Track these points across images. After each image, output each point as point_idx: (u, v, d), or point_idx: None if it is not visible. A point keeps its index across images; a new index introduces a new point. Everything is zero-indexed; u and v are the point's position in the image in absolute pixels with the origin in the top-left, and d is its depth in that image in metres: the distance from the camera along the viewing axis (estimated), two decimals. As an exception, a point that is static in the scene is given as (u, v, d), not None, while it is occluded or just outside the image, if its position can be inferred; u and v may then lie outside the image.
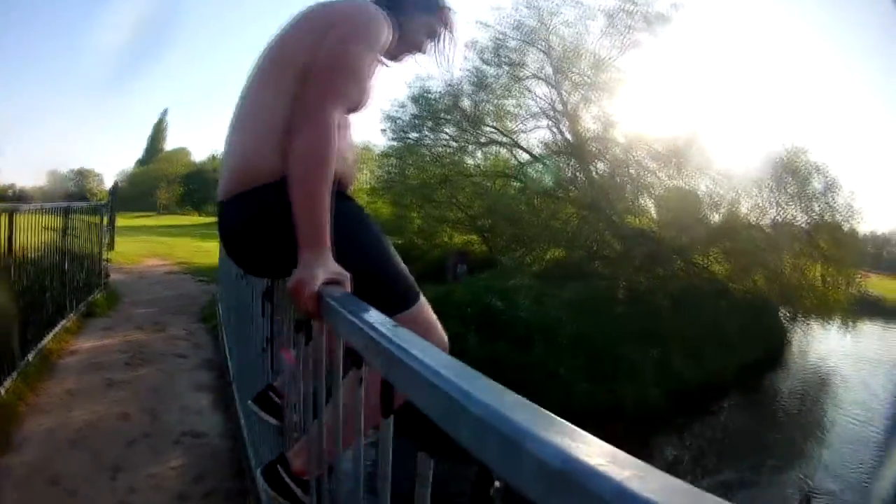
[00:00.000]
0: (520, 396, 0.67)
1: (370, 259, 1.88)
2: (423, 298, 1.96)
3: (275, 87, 1.91)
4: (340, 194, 1.89)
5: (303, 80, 1.80)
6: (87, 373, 6.62)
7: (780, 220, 18.76)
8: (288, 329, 2.19)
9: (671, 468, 11.40)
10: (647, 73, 23.64)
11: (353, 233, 1.87)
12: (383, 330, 1.00)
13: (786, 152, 18.66)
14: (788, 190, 18.59)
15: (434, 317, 1.98)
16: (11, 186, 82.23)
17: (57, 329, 7.50)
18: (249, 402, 2.42)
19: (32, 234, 7.04)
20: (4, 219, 6.03)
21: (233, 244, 2.07)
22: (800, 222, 18.70)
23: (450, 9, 2.29)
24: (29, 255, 7.13)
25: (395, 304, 1.81)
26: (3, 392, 5.42)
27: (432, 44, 2.29)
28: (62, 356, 7.11)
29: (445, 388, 0.72)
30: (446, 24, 2.28)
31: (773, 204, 18.84)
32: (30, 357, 6.43)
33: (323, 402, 1.59)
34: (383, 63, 2.18)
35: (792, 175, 18.51)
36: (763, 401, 16.61)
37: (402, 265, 1.97)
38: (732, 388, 15.96)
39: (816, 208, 18.51)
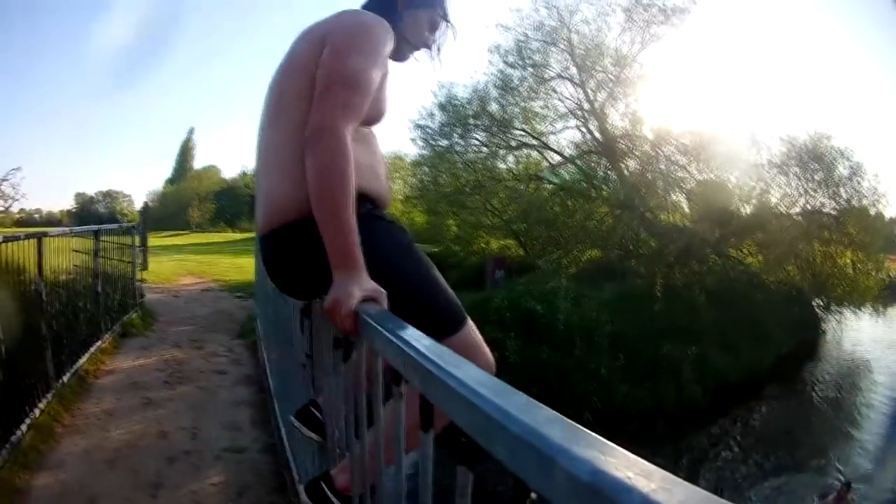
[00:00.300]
0: (554, 412, 0.68)
1: (416, 285, 1.89)
2: (469, 322, 1.95)
3: (286, 122, 1.92)
4: (380, 216, 1.97)
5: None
6: (124, 392, 6.79)
7: (809, 207, 18.80)
8: (327, 346, 2.12)
9: (711, 464, 11.76)
10: (670, 66, 23.53)
11: (398, 258, 1.89)
12: (420, 347, 1.02)
13: (810, 139, 18.68)
14: (815, 177, 18.62)
15: (480, 338, 1.97)
16: (38, 211, 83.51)
17: (92, 350, 7.66)
18: (291, 417, 2.47)
19: (63, 257, 7.28)
20: (33, 244, 6.19)
21: (273, 275, 2.12)
22: (828, 209, 18.73)
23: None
24: (60, 278, 7.29)
25: (442, 328, 1.82)
26: (37, 413, 5.56)
27: (434, 37, 2.31)
28: (98, 376, 7.28)
29: (482, 406, 0.75)
30: (445, 15, 2.30)
31: (802, 192, 18.88)
32: (65, 378, 6.61)
33: (364, 418, 1.60)
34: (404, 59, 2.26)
35: (818, 161, 18.53)
36: (800, 391, 16.72)
37: (448, 289, 1.97)
38: (770, 380, 16.05)
39: (843, 194, 18.54)
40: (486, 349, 1.94)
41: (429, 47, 2.29)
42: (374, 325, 1.30)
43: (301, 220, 1.78)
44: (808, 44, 33.20)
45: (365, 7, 2.16)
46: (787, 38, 32.86)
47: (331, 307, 1.53)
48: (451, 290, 1.95)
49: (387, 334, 1.19)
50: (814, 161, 18.52)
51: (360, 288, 1.53)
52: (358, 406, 1.60)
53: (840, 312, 20.16)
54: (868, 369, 18.39)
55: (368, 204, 1.92)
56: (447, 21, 2.28)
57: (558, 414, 0.65)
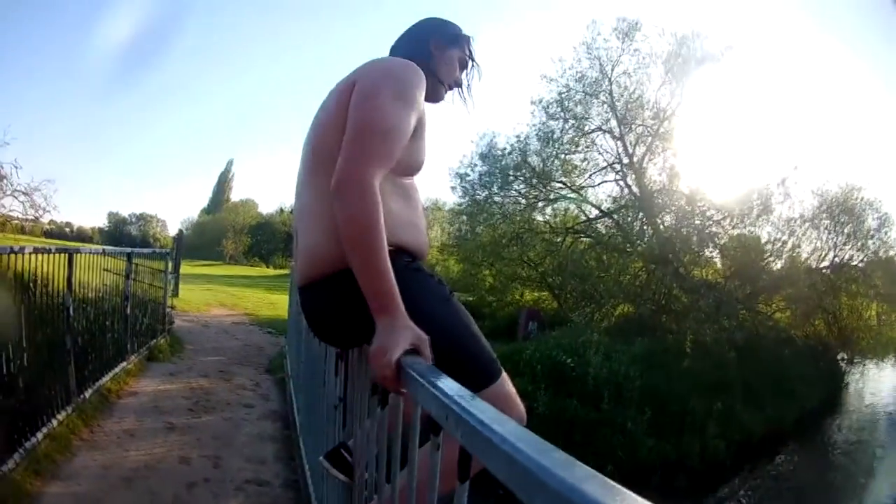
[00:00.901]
0: (591, 470, 0.72)
1: (456, 336, 1.94)
2: (503, 374, 2.03)
3: (320, 176, 1.93)
4: (419, 268, 2.03)
5: None
6: (146, 414, 6.85)
7: (837, 261, 19.10)
8: (362, 390, 2.21)
9: None
10: (705, 117, 23.57)
11: (438, 310, 1.94)
12: (462, 402, 1.06)
13: (841, 191, 19.07)
14: (845, 230, 18.91)
15: (513, 390, 2.04)
16: (69, 224, 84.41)
17: (117, 369, 7.79)
18: (321, 458, 2.50)
19: (93, 275, 7.36)
20: (64, 259, 6.37)
21: (313, 325, 2.21)
22: (856, 261, 19.03)
23: (470, 37, 2.40)
24: (89, 295, 7.39)
25: (479, 381, 1.87)
26: (55, 423, 5.68)
27: (464, 76, 2.41)
28: (121, 396, 7.36)
29: (523, 461, 0.78)
30: (471, 53, 2.40)
31: (831, 245, 19.19)
32: (87, 393, 6.75)
33: (398, 464, 1.62)
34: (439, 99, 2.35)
35: (848, 214, 18.84)
36: (821, 445, 16.84)
37: (484, 341, 2.04)
38: (793, 434, 16.19)
39: (871, 246, 18.90)
40: (519, 401, 2.05)
41: (461, 86, 2.40)
42: (417, 377, 1.36)
43: (338, 272, 1.84)
44: (834, 89, 33.18)
45: (394, 52, 2.32)
46: (815, 85, 32.91)
47: (374, 359, 1.57)
48: (487, 343, 2.05)
49: (431, 388, 1.24)
50: (844, 213, 18.85)
51: (402, 337, 1.57)
52: (392, 451, 1.65)
53: (863, 364, 20.52)
54: (889, 421, 18.47)
55: (407, 257, 1.99)
56: (473, 60, 2.40)
57: (595, 471, 0.72)
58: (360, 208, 1.69)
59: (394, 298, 1.64)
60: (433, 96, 2.23)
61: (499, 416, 0.97)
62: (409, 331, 1.59)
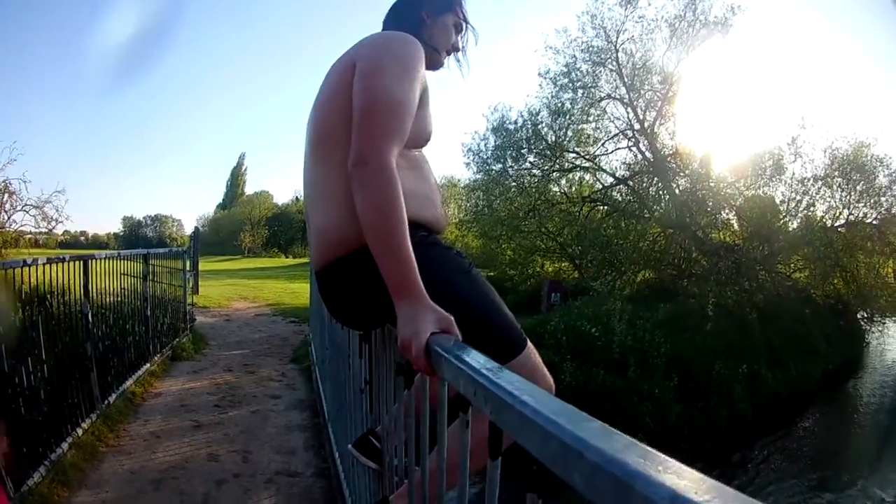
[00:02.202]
0: (630, 438, 0.70)
1: (479, 308, 1.92)
2: (529, 344, 2.00)
3: (329, 155, 1.96)
4: (436, 242, 2.02)
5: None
6: (173, 415, 6.92)
7: (852, 219, 19.21)
8: (387, 372, 2.22)
9: (762, 479, 12.18)
10: (714, 80, 23.54)
11: (459, 282, 1.93)
12: (491, 375, 1.03)
13: (851, 148, 19.16)
14: (857, 188, 19.02)
15: (540, 360, 2.01)
16: (83, 233, 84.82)
17: (140, 372, 7.88)
18: (349, 446, 2.52)
19: (110, 280, 7.38)
20: (79, 266, 6.42)
21: (332, 309, 2.19)
22: (870, 219, 19.10)
23: (462, 0, 2.37)
24: (107, 300, 7.35)
25: (505, 352, 1.85)
26: (80, 432, 5.75)
27: (459, 39, 2.37)
28: (146, 399, 7.42)
29: (558, 434, 0.75)
30: (464, 16, 2.36)
31: (845, 204, 19.31)
32: (111, 399, 6.83)
33: (426, 445, 1.60)
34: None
35: (859, 171, 18.91)
36: (845, 404, 17.15)
37: (508, 312, 2.01)
38: (817, 394, 16.54)
39: (884, 203, 18.94)
40: (546, 371, 2.02)
41: (458, 50, 2.37)
42: (442, 353, 1.33)
43: (354, 252, 1.85)
44: (842, 46, 33.01)
45: (386, 24, 2.32)
46: (821, 42, 32.71)
47: (403, 348, 1.54)
48: (510, 313, 2.02)
49: (457, 363, 1.21)
50: (856, 171, 18.92)
51: (426, 321, 1.54)
52: (420, 433, 1.61)
53: (883, 323, 20.69)
54: None
55: (423, 231, 1.98)
56: (467, 23, 2.36)
57: (634, 440, 0.69)
58: (379, 189, 1.70)
59: (415, 282, 1.63)
60: (431, 64, 2.24)
61: (529, 388, 0.94)
62: (434, 313, 1.57)
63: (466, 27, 2.36)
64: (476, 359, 1.16)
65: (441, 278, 1.80)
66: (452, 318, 1.56)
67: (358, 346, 2.98)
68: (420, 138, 2.05)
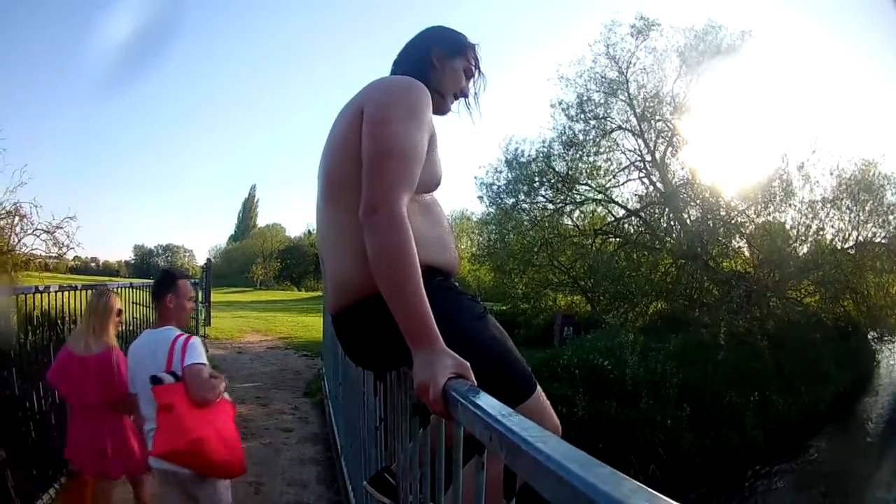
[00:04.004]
0: (637, 483, 0.74)
1: (493, 353, 1.94)
2: (538, 387, 2.04)
3: (340, 202, 1.99)
4: (451, 287, 2.06)
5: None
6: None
7: (861, 239, 19.31)
8: (403, 411, 2.25)
9: None
10: (723, 106, 23.67)
11: (474, 328, 1.96)
12: (505, 421, 1.07)
13: (858, 168, 19.32)
14: (866, 208, 19.10)
15: (548, 403, 2.07)
16: (94, 259, 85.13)
17: None
18: (365, 483, 2.52)
19: (122, 309, 7.18)
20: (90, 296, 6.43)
21: (348, 351, 2.27)
22: (879, 238, 19.23)
23: (475, 45, 2.39)
24: (119, 329, 7.07)
25: (516, 395, 1.90)
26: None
27: (469, 85, 2.40)
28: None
29: (569, 479, 0.79)
30: (476, 62, 2.39)
31: (854, 225, 19.39)
32: None
33: (441, 486, 1.65)
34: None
35: (867, 191, 19.03)
36: (856, 427, 17.07)
37: (520, 356, 2.05)
38: (828, 418, 16.51)
39: (893, 221, 19.04)
40: (553, 413, 2.07)
41: (466, 96, 2.39)
42: (458, 398, 1.36)
43: (369, 298, 1.85)
44: (843, 64, 33.12)
45: (396, 65, 2.35)
46: (824, 62, 32.87)
47: (420, 391, 1.57)
48: (522, 358, 2.05)
49: (472, 408, 1.25)
50: (863, 191, 19.03)
51: (443, 366, 1.55)
52: (436, 472, 1.66)
53: (893, 342, 20.69)
54: None
55: (439, 276, 2.02)
56: (479, 69, 2.39)
57: (641, 485, 0.74)
58: (390, 237, 1.71)
59: (431, 328, 1.66)
60: (438, 109, 2.25)
61: (542, 434, 0.98)
62: (450, 359, 1.59)
63: (477, 73, 2.41)
64: (491, 404, 1.22)
65: (457, 324, 1.85)
66: (468, 364, 1.60)
67: (373, 384, 3.07)
68: (430, 183, 2.08)
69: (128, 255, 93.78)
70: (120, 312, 5.12)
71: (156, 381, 3.67)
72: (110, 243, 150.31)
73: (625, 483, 0.76)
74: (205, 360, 3.91)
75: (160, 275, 4.40)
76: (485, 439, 1.16)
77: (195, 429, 3.63)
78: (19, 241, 13.04)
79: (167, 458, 3.64)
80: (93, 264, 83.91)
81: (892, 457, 13.59)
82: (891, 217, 19.06)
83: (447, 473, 1.60)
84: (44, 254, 13.62)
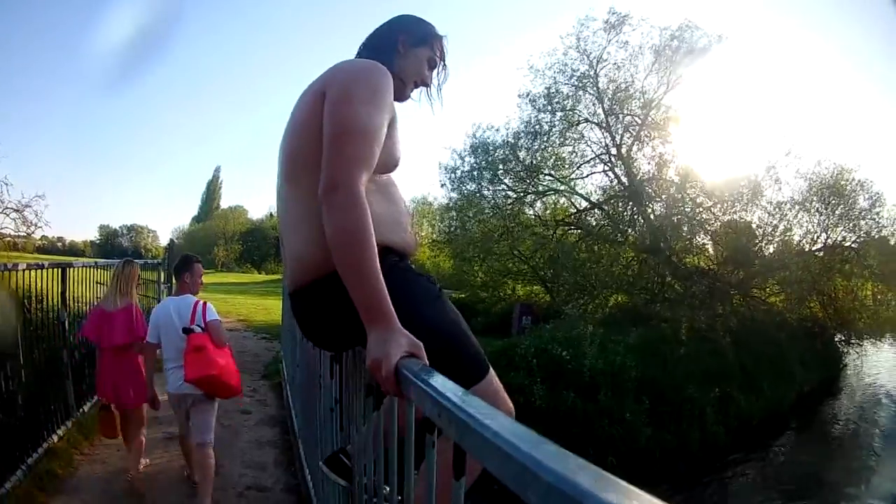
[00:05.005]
0: (583, 460, 0.73)
1: (446, 335, 1.96)
2: (491, 370, 2.04)
3: (300, 181, 2.00)
4: (407, 268, 2.07)
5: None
6: (146, 427, 6.55)
7: (830, 242, 19.53)
8: (358, 392, 2.25)
9: (734, 502, 12.31)
10: (694, 106, 23.78)
11: (428, 308, 1.98)
12: (455, 399, 1.07)
13: (831, 174, 19.45)
14: (836, 212, 19.31)
15: (500, 386, 2.06)
16: (60, 239, 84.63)
17: None
18: (321, 463, 2.59)
19: (86, 288, 7.66)
20: (57, 274, 6.72)
21: (305, 330, 2.26)
22: (849, 242, 19.43)
23: (443, 37, 2.41)
24: (83, 308, 7.50)
25: (469, 377, 1.89)
26: (55, 439, 6.03)
27: (432, 75, 2.40)
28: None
29: (516, 456, 0.79)
30: (441, 53, 2.40)
31: (823, 228, 19.64)
32: (85, 408, 7.06)
33: (395, 466, 1.69)
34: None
35: (838, 196, 19.22)
36: (820, 427, 17.23)
37: (473, 338, 2.05)
38: (791, 417, 16.68)
39: (864, 226, 19.26)
40: (506, 396, 2.06)
41: (427, 85, 2.41)
42: (410, 376, 1.38)
43: (326, 276, 1.87)
44: (826, 71, 33.48)
45: (361, 53, 2.34)
46: (803, 67, 33.22)
47: (372, 368, 1.59)
48: (476, 340, 2.06)
49: (423, 387, 1.26)
50: (835, 196, 19.24)
51: (397, 345, 1.57)
52: (389, 452, 1.71)
53: (860, 345, 20.91)
54: (889, 399, 18.83)
55: (394, 256, 2.02)
56: (443, 61, 2.41)
57: (587, 462, 0.72)
58: (348, 216, 1.73)
59: (386, 307, 1.68)
60: (398, 95, 2.24)
61: (491, 412, 0.98)
62: (404, 337, 1.62)
63: (441, 65, 2.40)
64: (442, 383, 1.22)
65: (411, 304, 1.83)
66: (421, 344, 1.61)
67: (329, 366, 3.04)
68: (389, 164, 2.08)
69: (93, 234, 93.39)
70: (140, 278, 6.64)
71: (188, 331, 5.14)
72: (76, 223, 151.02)
73: (571, 459, 0.74)
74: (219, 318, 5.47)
75: (180, 258, 6.05)
76: (434, 417, 1.17)
77: (219, 361, 5.12)
78: (-10, 220, 12.74)
79: (199, 380, 5.02)
80: (59, 244, 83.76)
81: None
82: (862, 222, 19.26)
83: (399, 453, 1.62)
84: (13, 233, 13.29)
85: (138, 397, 5.76)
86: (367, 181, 1.83)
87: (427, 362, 1.55)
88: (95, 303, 7.51)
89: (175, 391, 5.26)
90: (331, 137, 1.84)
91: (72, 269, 7.09)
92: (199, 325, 5.21)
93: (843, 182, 19.42)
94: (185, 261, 5.84)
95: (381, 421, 1.83)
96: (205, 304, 5.46)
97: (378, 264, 1.70)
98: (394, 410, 1.65)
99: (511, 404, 2.05)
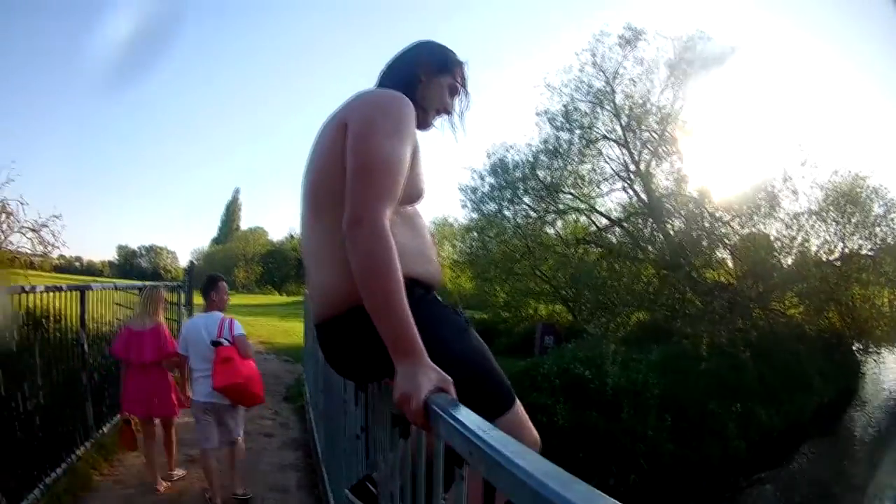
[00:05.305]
0: (613, 500, 0.76)
1: (473, 369, 1.93)
2: (517, 401, 2.04)
3: (324, 214, 1.98)
4: (434, 300, 2.08)
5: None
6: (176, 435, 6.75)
7: (846, 251, 19.31)
8: (384, 421, 2.22)
9: None
10: (710, 119, 24.20)
11: (457, 342, 1.97)
12: (486, 437, 1.08)
13: (846, 181, 19.33)
14: (852, 220, 19.12)
15: (526, 416, 2.06)
16: (78, 258, 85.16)
17: None
18: (346, 491, 2.43)
19: (105, 309, 7.75)
20: (76, 296, 6.76)
21: (331, 361, 2.24)
22: (865, 250, 19.21)
23: (464, 63, 2.39)
24: (102, 329, 7.63)
25: (496, 408, 1.91)
26: (74, 459, 6.08)
27: (454, 102, 2.38)
28: (140, 430, 6.95)
29: (548, 496, 0.81)
30: (463, 80, 2.38)
31: (840, 237, 19.40)
32: (105, 428, 7.14)
33: (422, 496, 1.65)
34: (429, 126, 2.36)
35: (854, 204, 19.03)
36: (840, 437, 17.25)
37: (500, 370, 2.04)
38: (811, 429, 16.64)
39: (879, 233, 19.02)
40: (532, 427, 2.06)
41: (450, 113, 2.38)
42: (439, 411, 1.37)
43: (352, 309, 1.85)
44: (834, 78, 33.37)
45: (382, 81, 2.33)
46: (814, 75, 33.11)
47: (401, 401, 1.57)
48: (502, 371, 2.05)
49: (453, 423, 1.25)
50: (850, 204, 19.04)
51: (427, 379, 1.55)
52: (416, 483, 1.67)
53: (878, 353, 20.68)
54: None
55: (420, 288, 1.99)
56: (465, 88, 2.38)
57: (617, 502, 0.76)
58: (374, 250, 1.71)
59: (414, 341, 1.64)
60: (420, 124, 2.20)
61: (521, 450, 0.99)
62: (434, 372, 1.59)
63: (463, 92, 2.40)
64: (472, 419, 1.23)
65: (439, 337, 1.82)
66: (451, 379, 1.60)
67: (354, 393, 3.07)
68: (413, 195, 2.07)
69: (111, 255, 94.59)
70: (166, 301, 7.36)
71: (216, 343, 5.69)
72: (94, 242, 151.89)
73: (601, 500, 0.79)
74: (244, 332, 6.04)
75: (206, 278, 6.54)
76: (465, 453, 1.16)
77: (245, 371, 5.73)
78: (5, 238, 12.89)
79: (226, 388, 5.61)
80: (77, 263, 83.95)
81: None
82: (877, 229, 19.08)
83: (427, 484, 1.59)
84: (29, 252, 13.48)
85: (164, 408, 6.32)
86: (391, 213, 1.81)
87: (456, 397, 1.54)
88: (114, 324, 8.02)
89: (202, 399, 5.81)
90: (354, 171, 1.84)
91: (91, 292, 7.20)
92: (226, 339, 5.73)
93: (858, 189, 19.31)
94: (212, 280, 6.35)
95: (409, 451, 1.80)
96: (231, 320, 6.00)
97: (405, 298, 1.69)
98: (422, 441, 1.65)
99: (536, 434, 2.06)
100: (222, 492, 5.81)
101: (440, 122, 2.39)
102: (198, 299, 25.90)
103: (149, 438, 6.33)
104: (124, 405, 6.38)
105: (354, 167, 1.84)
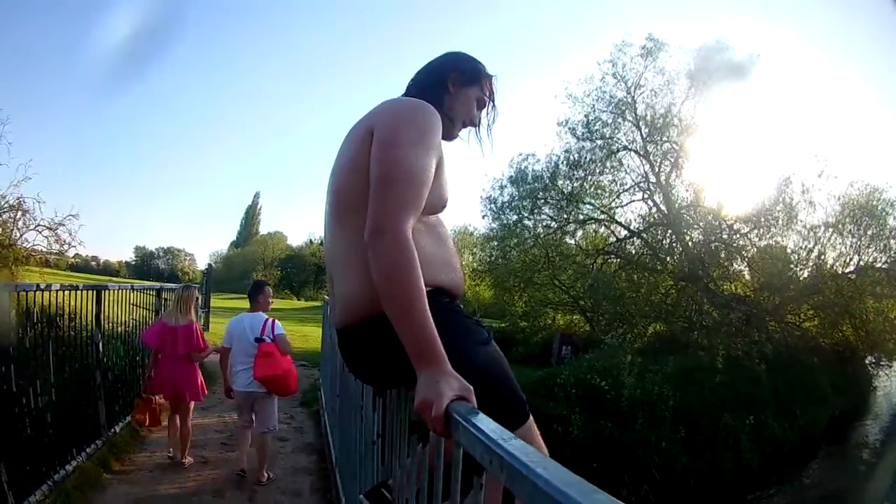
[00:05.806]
0: None
1: (493, 380, 1.93)
2: (531, 417, 2.06)
3: (348, 221, 2.00)
4: (460, 312, 2.09)
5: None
6: (179, 449, 7.00)
7: (861, 264, 19.39)
8: (401, 427, 2.22)
9: None
10: (730, 128, 24.17)
11: (477, 354, 1.96)
12: (506, 445, 1.09)
13: (862, 194, 19.52)
14: (868, 233, 19.26)
15: (538, 433, 2.09)
16: (95, 258, 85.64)
17: None
18: (361, 496, 2.46)
19: (121, 310, 7.96)
20: (92, 295, 6.95)
21: (351, 367, 2.29)
22: (880, 263, 19.30)
23: (493, 76, 2.42)
24: (118, 330, 7.84)
25: (513, 421, 1.92)
26: (84, 457, 6.14)
27: (481, 115, 2.41)
28: (153, 431, 7.59)
29: None
30: (491, 93, 2.41)
31: (855, 250, 19.54)
32: (117, 428, 7.27)
33: (439, 503, 1.64)
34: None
35: (870, 216, 19.17)
36: (851, 451, 17.27)
37: (517, 383, 2.05)
38: (823, 442, 16.80)
39: (894, 246, 19.14)
40: (543, 444, 2.06)
41: (476, 125, 2.39)
42: (459, 419, 1.38)
43: (374, 317, 1.87)
44: (852, 91, 33.32)
45: (411, 89, 2.35)
46: (833, 88, 33.09)
47: (421, 408, 1.56)
48: (518, 385, 2.06)
49: (473, 431, 1.25)
50: (866, 216, 19.20)
51: (449, 387, 1.55)
52: (434, 491, 1.65)
53: (890, 366, 20.89)
54: None
55: (444, 297, 2.03)
56: (492, 101, 2.41)
57: None
58: (395, 260, 1.72)
59: (437, 349, 1.66)
60: (446, 134, 2.22)
61: (542, 459, 0.99)
62: (455, 380, 1.59)
63: (491, 105, 2.43)
64: (492, 427, 1.24)
65: (461, 347, 1.83)
66: (472, 388, 1.60)
67: (372, 399, 3.05)
68: (437, 205, 2.09)
69: (128, 255, 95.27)
70: (198, 300, 7.90)
71: (259, 340, 6.53)
72: (111, 242, 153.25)
73: None
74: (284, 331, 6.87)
75: (253, 283, 7.43)
76: (485, 462, 1.17)
77: (283, 365, 6.58)
78: (21, 235, 13.14)
79: (265, 378, 6.40)
80: (93, 263, 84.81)
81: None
82: (892, 242, 19.21)
83: (444, 491, 1.61)
84: (45, 250, 13.69)
85: (191, 394, 7.08)
86: (415, 223, 1.84)
87: (475, 403, 1.56)
88: (130, 324, 8.56)
89: (242, 389, 6.62)
90: (378, 180, 1.85)
91: (107, 292, 7.38)
92: (268, 336, 6.62)
93: (874, 202, 19.47)
94: (257, 285, 7.26)
95: (426, 458, 1.78)
96: (274, 320, 6.84)
97: (427, 307, 1.70)
98: (440, 449, 1.62)
99: (546, 450, 1.97)
100: (252, 475, 6.67)
101: (466, 133, 2.44)
102: (216, 302, 26.21)
103: (175, 413, 7.15)
104: (153, 386, 7.09)
105: (378, 176, 1.87)
